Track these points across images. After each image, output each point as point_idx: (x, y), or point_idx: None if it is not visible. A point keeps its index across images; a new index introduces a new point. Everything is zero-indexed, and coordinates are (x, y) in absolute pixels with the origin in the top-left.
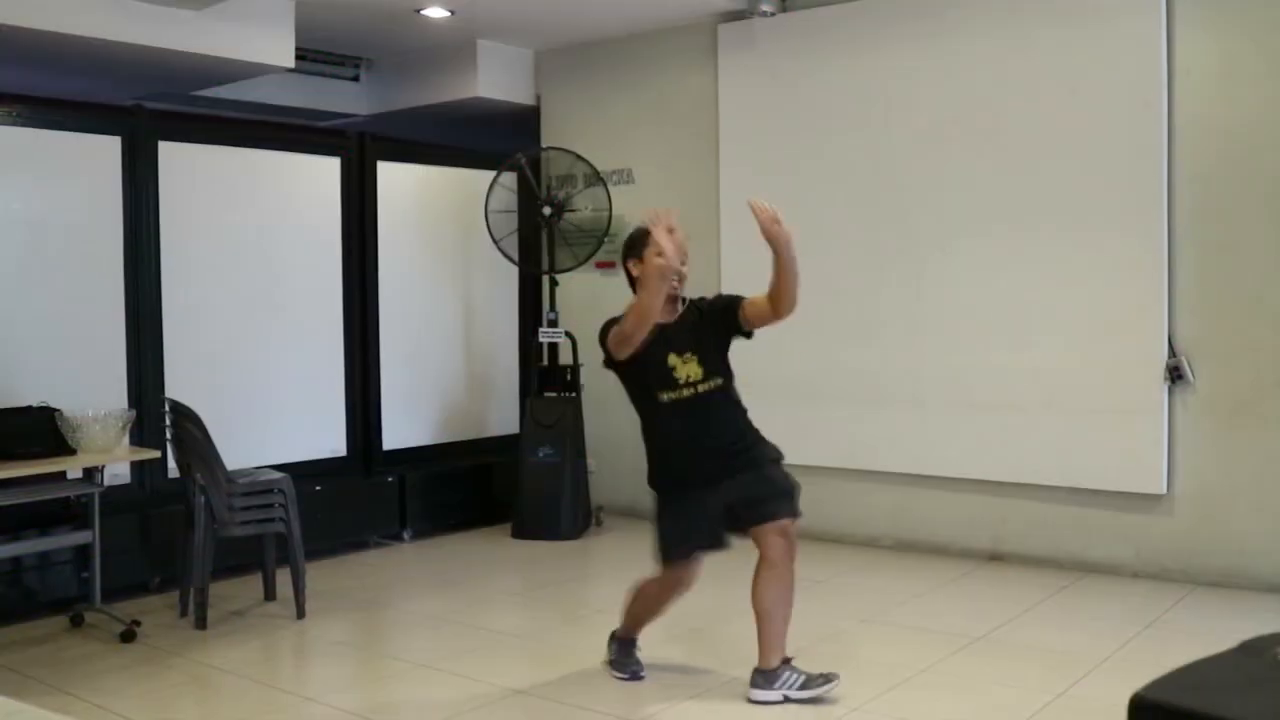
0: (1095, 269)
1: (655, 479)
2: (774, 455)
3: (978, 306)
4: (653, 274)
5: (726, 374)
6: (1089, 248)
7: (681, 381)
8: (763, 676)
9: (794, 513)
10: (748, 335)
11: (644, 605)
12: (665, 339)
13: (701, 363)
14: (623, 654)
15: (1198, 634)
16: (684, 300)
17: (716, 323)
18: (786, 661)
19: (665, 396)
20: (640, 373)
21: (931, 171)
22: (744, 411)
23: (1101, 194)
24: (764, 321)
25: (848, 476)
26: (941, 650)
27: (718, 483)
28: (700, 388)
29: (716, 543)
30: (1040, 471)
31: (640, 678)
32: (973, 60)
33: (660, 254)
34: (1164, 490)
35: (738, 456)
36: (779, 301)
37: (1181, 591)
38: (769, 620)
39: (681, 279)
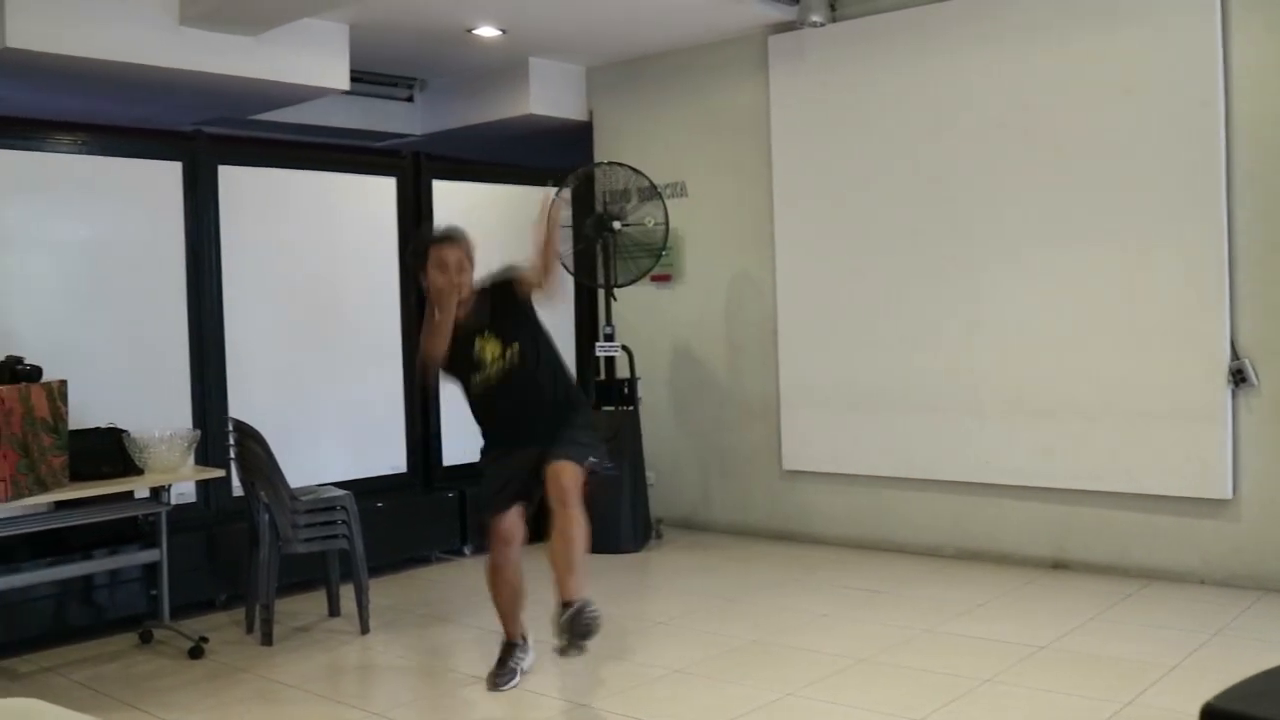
0: (1155, 271)
1: (483, 444)
2: (582, 421)
3: (1036, 312)
4: (440, 302)
5: (526, 338)
6: (1148, 250)
7: (488, 359)
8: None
9: (572, 457)
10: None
11: (494, 592)
12: (466, 332)
13: (497, 336)
14: (498, 661)
15: (1268, 641)
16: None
17: (500, 299)
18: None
19: (476, 377)
20: (457, 366)
21: (986, 177)
22: (556, 375)
23: (1160, 195)
24: (539, 295)
25: (908, 485)
26: (1005, 660)
27: (528, 444)
28: (505, 357)
29: (524, 493)
30: (1103, 478)
31: (497, 687)
32: (1025, 64)
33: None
34: (1230, 495)
35: (548, 421)
36: (545, 279)
37: (1250, 598)
38: (570, 567)
39: (462, 292)
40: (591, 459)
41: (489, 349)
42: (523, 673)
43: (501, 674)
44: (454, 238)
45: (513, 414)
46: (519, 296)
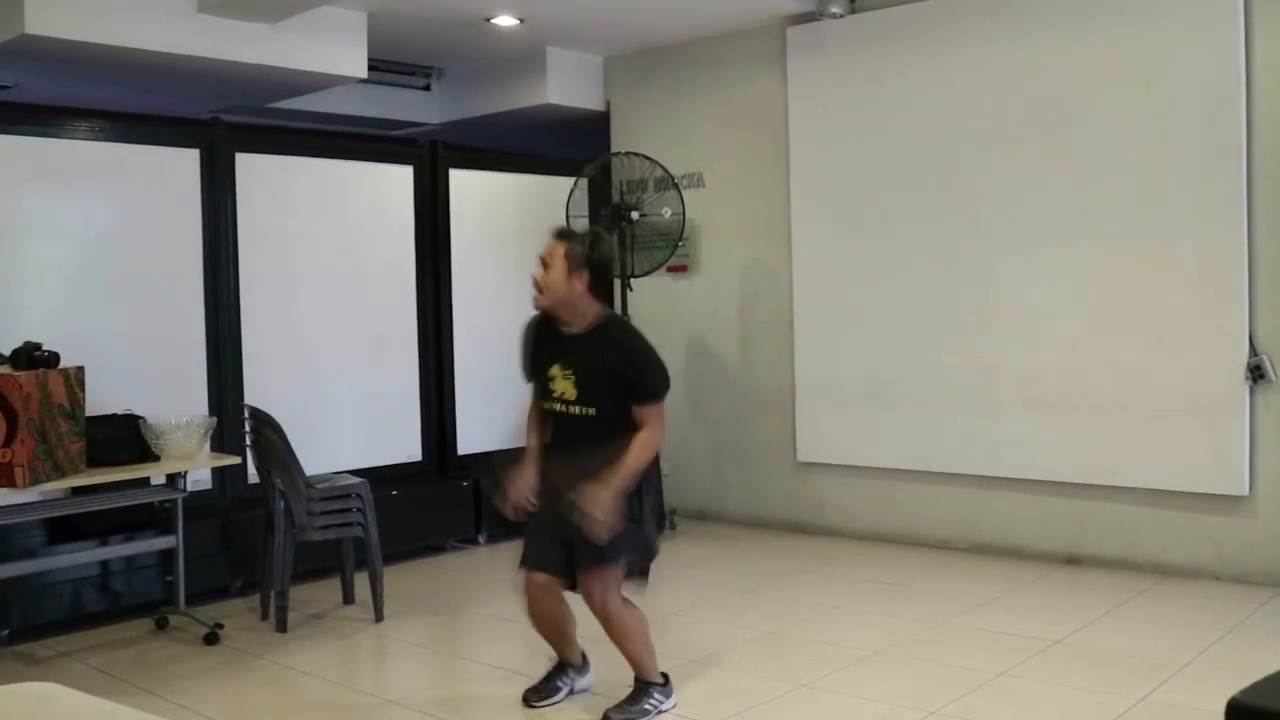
0: (1173, 268)
1: None
2: (631, 513)
3: (1053, 306)
4: None
5: (607, 413)
6: (1166, 246)
7: (555, 395)
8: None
9: (600, 562)
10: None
11: (533, 623)
12: (556, 346)
13: (578, 386)
14: (542, 678)
15: None
16: (603, 318)
17: (617, 375)
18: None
19: (544, 404)
20: (530, 373)
21: (1004, 171)
22: (619, 457)
23: (1179, 192)
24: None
25: (921, 478)
26: (1019, 654)
27: (560, 502)
28: (571, 409)
29: (557, 569)
30: (1118, 473)
31: (529, 703)
32: (1044, 58)
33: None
34: (1246, 491)
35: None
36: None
37: (1265, 594)
38: (626, 657)
39: (545, 292)
40: (626, 559)
41: (560, 385)
42: (574, 691)
43: (542, 689)
44: (564, 233)
45: (563, 463)
46: (626, 381)
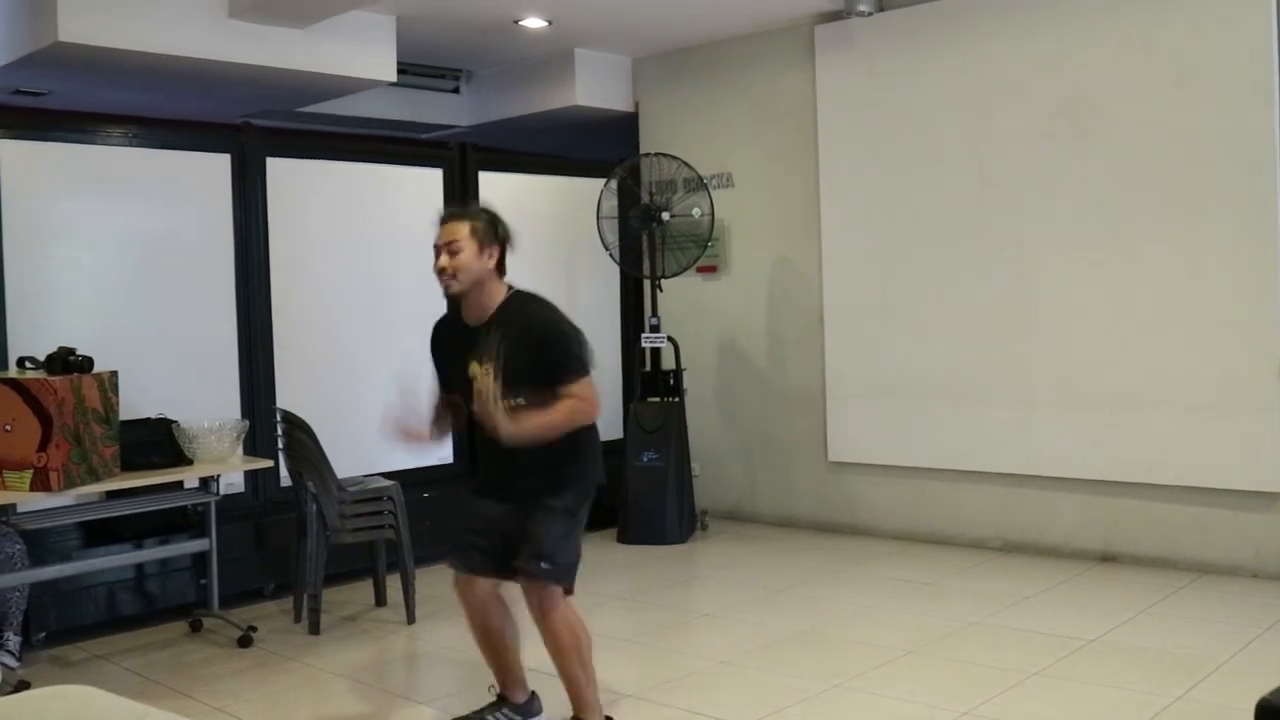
0: (1207, 262)
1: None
2: (565, 504)
3: (1085, 302)
4: None
5: (537, 399)
6: (1200, 240)
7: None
8: None
9: (537, 573)
10: None
11: (480, 643)
12: (470, 341)
13: (501, 378)
14: (473, 711)
15: None
16: (508, 296)
17: (533, 361)
18: None
19: (467, 402)
20: (441, 372)
21: (1035, 166)
22: (554, 443)
23: (1213, 185)
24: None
25: (954, 477)
26: (1054, 653)
27: (500, 499)
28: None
29: (494, 565)
30: (1154, 470)
31: None
32: (1074, 51)
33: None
34: None
35: (522, 483)
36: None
37: None
38: (565, 681)
39: (455, 278)
40: (543, 565)
41: (484, 383)
42: None
43: None
44: (458, 213)
45: (494, 465)
46: (544, 368)
